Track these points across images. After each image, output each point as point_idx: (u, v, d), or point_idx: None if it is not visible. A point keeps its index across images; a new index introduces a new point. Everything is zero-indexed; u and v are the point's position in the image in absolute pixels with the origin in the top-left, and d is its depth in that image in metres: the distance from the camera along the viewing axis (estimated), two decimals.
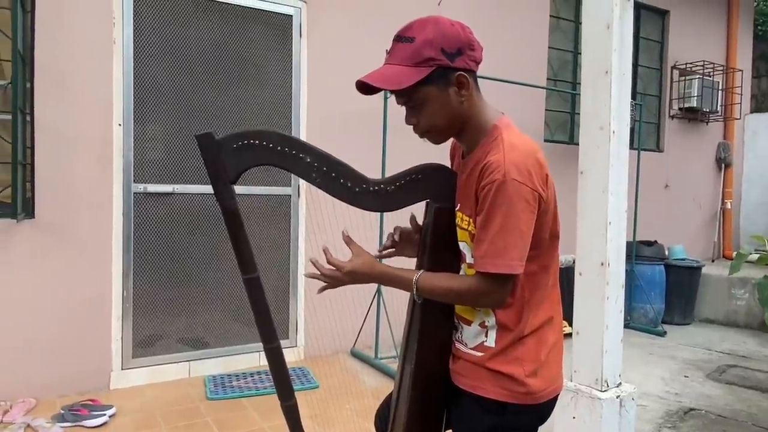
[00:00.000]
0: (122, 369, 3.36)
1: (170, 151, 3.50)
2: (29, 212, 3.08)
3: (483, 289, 1.22)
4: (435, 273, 1.32)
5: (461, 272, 1.35)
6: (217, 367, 3.62)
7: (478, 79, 1.32)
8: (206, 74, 3.56)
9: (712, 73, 6.63)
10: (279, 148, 1.28)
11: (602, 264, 2.16)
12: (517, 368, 1.27)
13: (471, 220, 1.27)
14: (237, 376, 3.52)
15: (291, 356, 3.90)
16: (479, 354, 1.31)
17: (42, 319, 3.13)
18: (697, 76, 6.42)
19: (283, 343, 3.90)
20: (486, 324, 1.30)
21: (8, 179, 2.89)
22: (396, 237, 1.49)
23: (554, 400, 1.35)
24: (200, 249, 3.60)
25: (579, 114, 2.32)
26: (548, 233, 1.28)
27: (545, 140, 5.26)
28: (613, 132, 2.16)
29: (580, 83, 2.33)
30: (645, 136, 5.88)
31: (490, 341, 1.29)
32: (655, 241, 5.33)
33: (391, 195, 1.33)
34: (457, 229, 1.33)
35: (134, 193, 3.36)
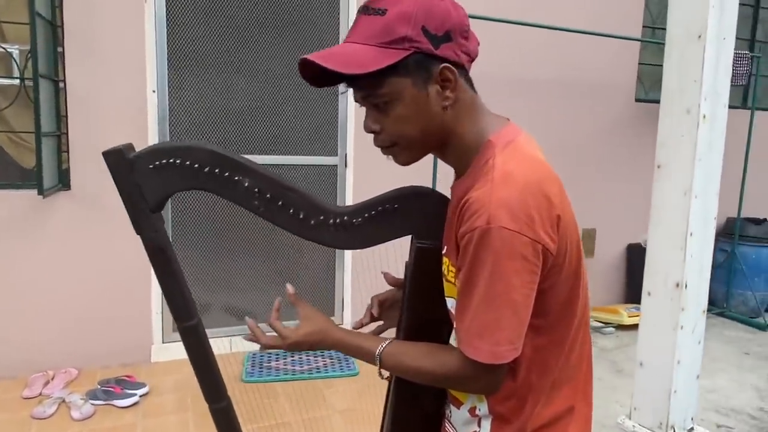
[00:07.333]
0: (163, 342, 3.31)
1: (206, 119, 3.29)
2: (65, 183, 3.01)
3: (467, 374, 0.87)
4: (407, 343, 0.98)
5: (451, 337, 1.00)
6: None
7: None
8: (246, 34, 3.27)
9: None
10: (208, 168, 0.97)
11: (677, 285, 1.71)
12: None
13: (456, 273, 0.92)
14: (277, 355, 3.39)
15: None
16: None
17: (85, 291, 3.11)
18: None
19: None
20: (477, 412, 0.96)
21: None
22: (375, 311, 1.13)
23: None
24: (241, 223, 3.42)
25: None
26: (562, 296, 0.90)
27: (637, 99, 4.57)
28: (704, 116, 1.65)
29: None
30: (762, 92, 4.99)
31: None
32: (765, 219, 4.59)
33: (359, 229, 1.00)
34: (444, 281, 0.98)
35: None
